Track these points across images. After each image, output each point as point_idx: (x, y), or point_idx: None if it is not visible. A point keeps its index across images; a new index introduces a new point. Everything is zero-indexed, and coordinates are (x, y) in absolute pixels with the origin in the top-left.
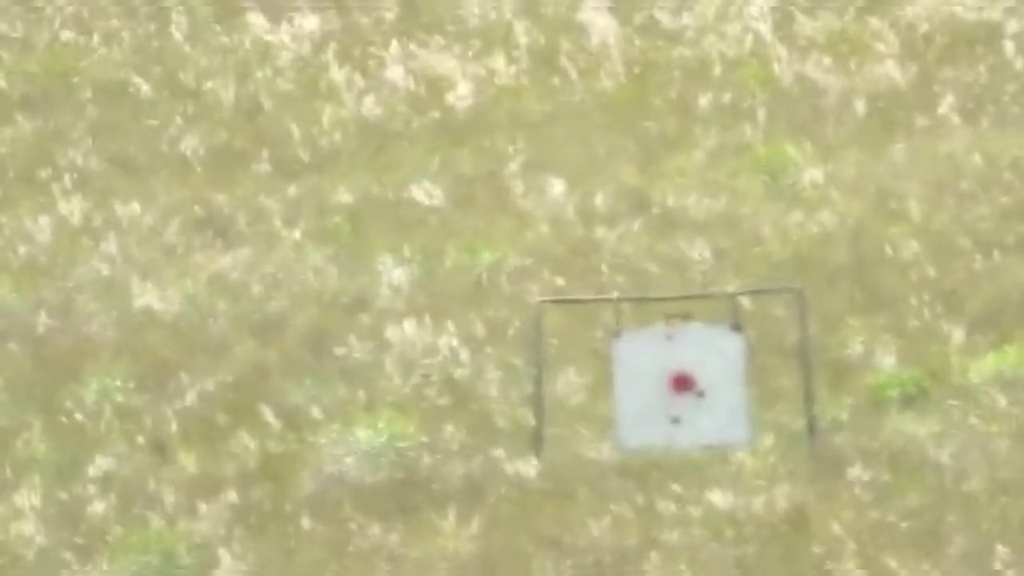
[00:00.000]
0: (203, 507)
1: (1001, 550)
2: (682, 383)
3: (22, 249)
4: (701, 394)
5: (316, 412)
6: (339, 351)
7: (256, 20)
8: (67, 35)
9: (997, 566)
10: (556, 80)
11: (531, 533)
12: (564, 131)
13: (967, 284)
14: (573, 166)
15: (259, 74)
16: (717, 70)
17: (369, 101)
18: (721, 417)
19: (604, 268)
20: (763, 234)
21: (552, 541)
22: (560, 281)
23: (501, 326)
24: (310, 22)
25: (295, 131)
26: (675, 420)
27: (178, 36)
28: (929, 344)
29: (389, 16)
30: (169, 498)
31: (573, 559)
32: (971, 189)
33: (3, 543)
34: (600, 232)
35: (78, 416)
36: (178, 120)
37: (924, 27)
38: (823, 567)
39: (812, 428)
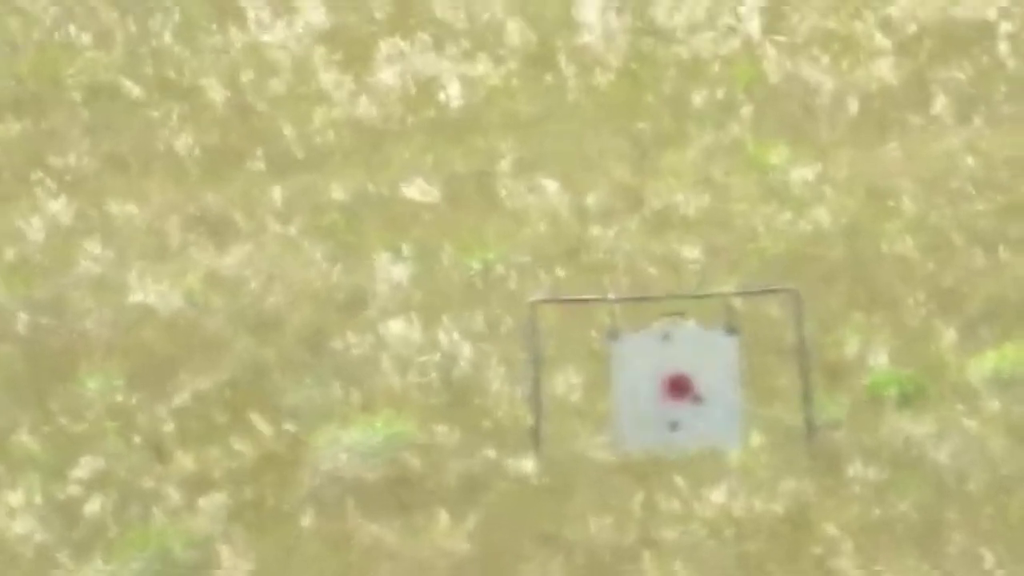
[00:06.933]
0: (200, 505)
1: (999, 549)
2: (678, 388)
3: (14, 248)
4: (697, 399)
5: (313, 410)
6: (335, 349)
7: (249, 19)
8: (58, 36)
9: (994, 564)
10: (549, 78)
11: (529, 531)
12: (557, 129)
13: (964, 282)
14: (567, 164)
15: (252, 73)
16: (709, 69)
17: (362, 100)
18: (717, 421)
19: (600, 267)
20: (757, 232)
21: (550, 539)
22: (555, 280)
23: (498, 325)
24: (303, 20)
25: (289, 129)
26: (672, 426)
27: (170, 35)
28: (926, 342)
29: (381, 15)
30: (166, 496)
31: (571, 557)
32: (966, 187)
33: None
34: (595, 231)
35: (73, 414)
36: (171, 119)
37: (917, 26)
38: (821, 565)
39: (810, 427)
